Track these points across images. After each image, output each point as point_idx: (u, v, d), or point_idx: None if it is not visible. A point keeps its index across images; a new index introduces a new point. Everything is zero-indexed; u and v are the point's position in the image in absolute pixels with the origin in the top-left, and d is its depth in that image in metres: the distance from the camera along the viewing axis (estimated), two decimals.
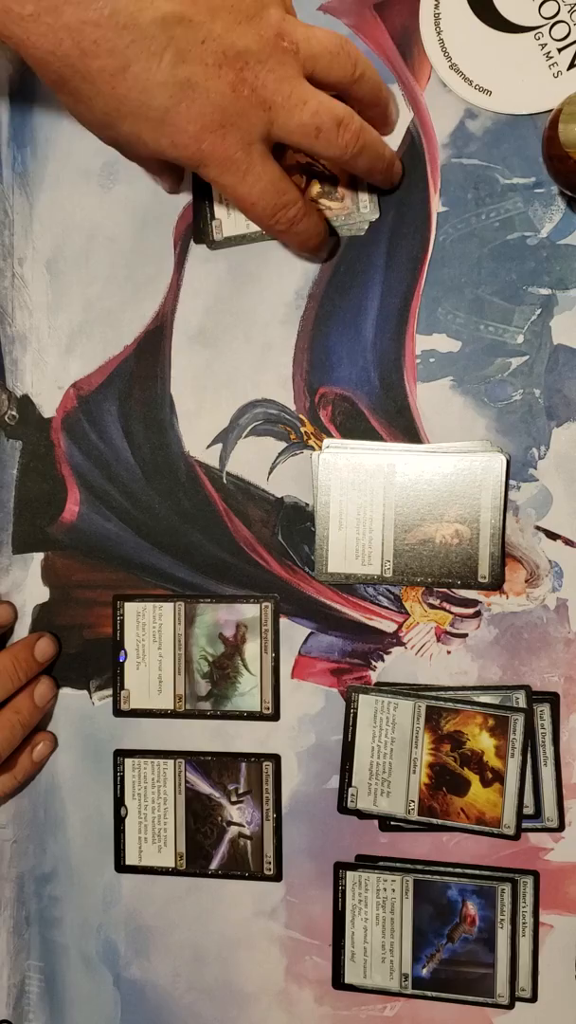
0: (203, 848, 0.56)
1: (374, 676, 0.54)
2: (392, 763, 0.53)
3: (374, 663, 0.54)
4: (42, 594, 0.59)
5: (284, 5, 0.47)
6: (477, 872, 0.53)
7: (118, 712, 0.58)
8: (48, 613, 0.59)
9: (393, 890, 0.54)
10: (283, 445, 0.55)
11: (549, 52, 0.51)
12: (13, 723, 0.55)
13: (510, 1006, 0.53)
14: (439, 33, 0.52)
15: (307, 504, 0.55)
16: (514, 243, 0.52)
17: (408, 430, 0.54)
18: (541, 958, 0.52)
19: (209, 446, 0.56)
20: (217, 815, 0.56)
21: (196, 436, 0.57)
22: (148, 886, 0.58)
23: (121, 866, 0.58)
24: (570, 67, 0.51)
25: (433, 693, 0.53)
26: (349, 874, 0.54)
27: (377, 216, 0.53)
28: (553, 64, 0.51)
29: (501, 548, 0.52)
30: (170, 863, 0.57)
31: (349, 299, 0.54)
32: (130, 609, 0.57)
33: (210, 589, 0.56)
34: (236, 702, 0.56)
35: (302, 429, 0.55)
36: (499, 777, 0.52)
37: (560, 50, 0.51)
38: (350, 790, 0.54)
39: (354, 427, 0.54)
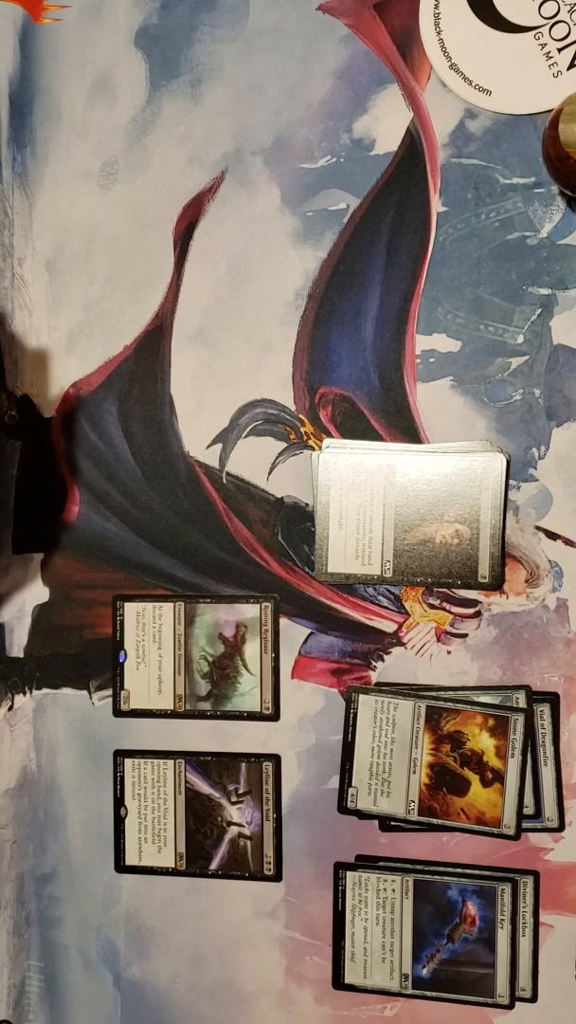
0: (203, 848, 0.56)
1: (374, 676, 0.54)
2: (392, 763, 0.53)
3: (374, 663, 0.54)
4: (42, 594, 0.59)
5: None
6: (477, 872, 0.53)
7: (118, 712, 0.58)
8: (48, 613, 0.59)
9: (393, 890, 0.54)
10: (283, 445, 0.55)
11: (549, 52, 0.51)
12: None
13: (510, 1006, 0.53)
14: (439, 33, 0.52)
15: (307, 504, 0.55)
16: (514, 243, 0.52)
17: (408, 430, 0.54)
18: (541, 958, 0.52)
19: (209, 446, 0.56)
20: (217, 815, 0.56)
21: (196, 436, 0.57)
22: (148, 886, 0.58)
23: (121, 866, 0.58)
24: (570, 67, 0.51)
25: (433, 693, 0.53)
26: (349, 874, 0.54)
27: None
28: (553, 64, 0.51)
29: (501, 548, 0.52)
30: (170, 863, 0.57)
31: (349, 299, 0.54)
32: (130, 609, 0.57)
33: (210, 589, 0.56)
34: (236, 702, 0.56)
35: (302, 429, 0.55)
36: (499, 777, 0.52)
37: (560, 50, 0.51)
38: (350, 790, 0.54)
39: (354, 427, 0.54)
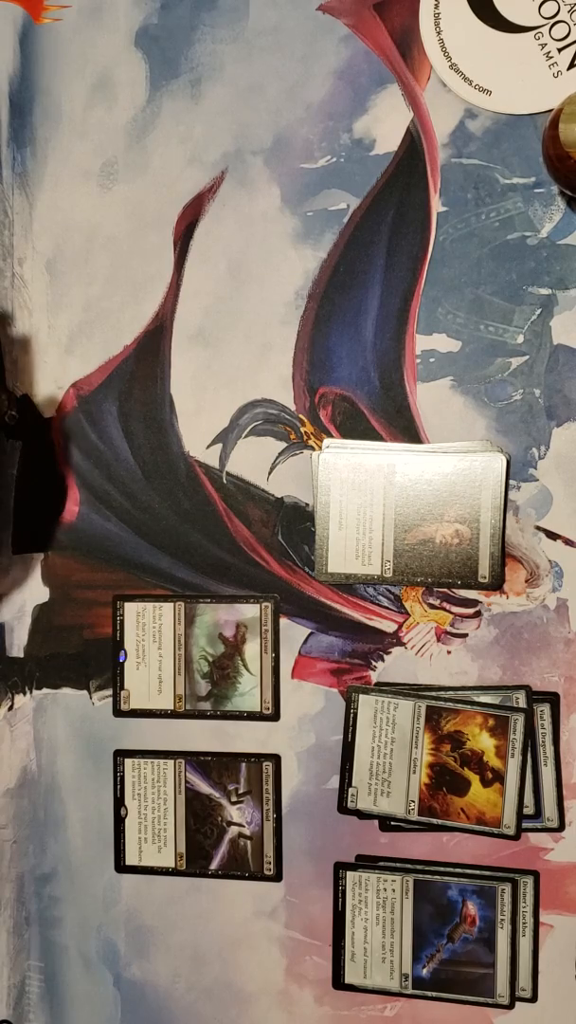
0: (203, 848, 0.56)
1: (374, 676, 0.54)
2: (392, 763, 0.53)
3: (374, 663, 0.54)
4: (42, 594, 0.59)
5: None
6: (477, 872, 0.53)
7: (118, 712, 0.58)
8: (48, 613, 0.59)
9: (393, 890, 0.54)
10: (283, 445, 0.55)
11: (549, 52, 0.51)
12: None
13: (510, 1006, 0.53)
14: (439, 33, 0.52)
15: (307, 504, 0.55)
16: (514, 243, 0.52)
17: (408, 430, 0.54)
18: (541, 958, 0.52)
19: (209, 446, 0.56)
20: (217, 815, 0.56)
21: (196, 436, 0.57)
22: (148, 886, 0.58)
23: (121, 866, 0.58)
24: (570, 67, 0.51)
25: (433, 693, 0.53)
26: (349, 874, 0.54)
27: None
28: (553, 64, 0.51)
29: (501, 548, 0.52)
30: (170, 863, 0.57)
31: (349, 299, 0.54)
32: (130, 609, 0.57)
33: (210, 589, 0.56)
34: (236, 702, 0.56)
35: (302, 429, 0.55)
36: (499, 777, 0.52)
37: (560, 50, 0.51)
38: (350, 790, 0.54)
39: (354, 427, 0.54)
